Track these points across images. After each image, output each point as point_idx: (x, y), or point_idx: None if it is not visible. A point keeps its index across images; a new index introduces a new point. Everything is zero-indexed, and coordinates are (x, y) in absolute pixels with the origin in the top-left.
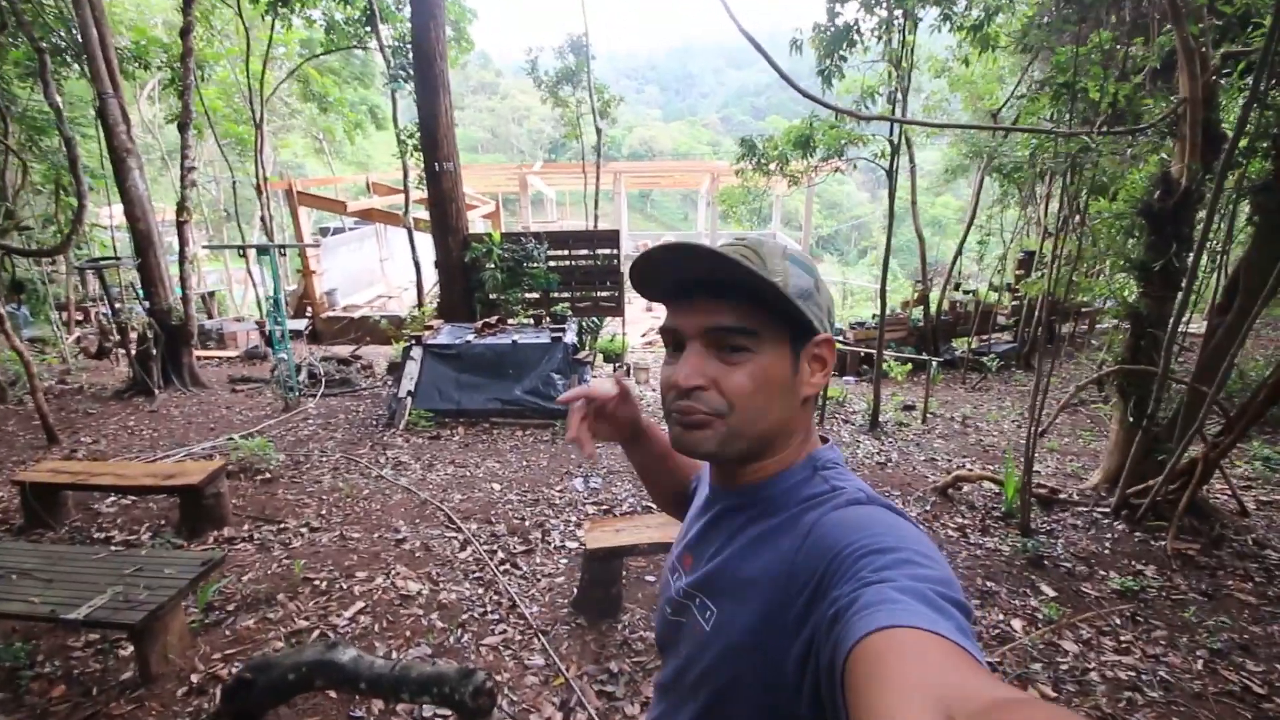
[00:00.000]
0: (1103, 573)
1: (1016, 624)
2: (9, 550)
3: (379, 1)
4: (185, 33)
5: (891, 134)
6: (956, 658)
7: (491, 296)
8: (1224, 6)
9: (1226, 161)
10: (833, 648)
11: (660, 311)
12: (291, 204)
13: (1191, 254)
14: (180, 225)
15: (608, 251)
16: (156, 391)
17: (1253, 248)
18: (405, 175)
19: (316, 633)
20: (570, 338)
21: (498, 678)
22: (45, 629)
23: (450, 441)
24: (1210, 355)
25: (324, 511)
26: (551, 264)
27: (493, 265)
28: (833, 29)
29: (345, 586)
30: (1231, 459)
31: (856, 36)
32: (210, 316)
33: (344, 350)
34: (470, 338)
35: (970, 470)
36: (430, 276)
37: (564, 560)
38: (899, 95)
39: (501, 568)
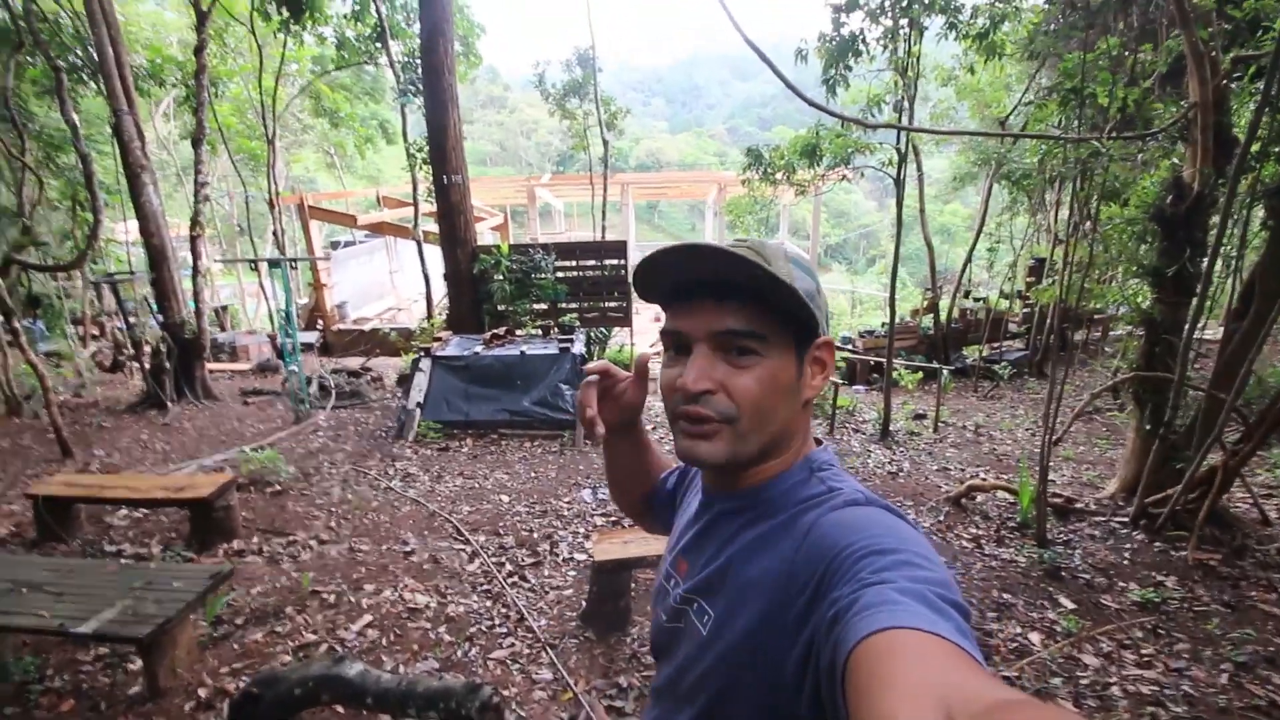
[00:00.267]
0: (1122, 584)
1: (1035, 637)
2: (21, 564)
3: (389, 18)
4: (199, 50)
5: (898, 142)
6: (957, 659)
7: (500, 308)
8: (1233, 11)
9: (1239, 166)
10: (833, 648)
11: None
12: (303, 218)
13: (1205, 259)
14: (194, 239)
15: (615, 262)
16: (169, 404)
17: (1267, 252)
18: (415, 188)
19: (324, 646)
20: (578, 348)
21: (505, 693)
22: (55, 643)
23: (459, 453)
24: (1227, 361)
25: (333, 524)
26: (559, 275)
27: (501, 277)
28: (838, 39)
29: (353, 600)
30: (1252, 467)
31: (862, 46)
32: (223, 330)
33: (354, 362)
34: (479, 349)
35: (984, 480)
36: (439, 288)
37: (572, 572)
38: (905, 103)
39: (510, 580)
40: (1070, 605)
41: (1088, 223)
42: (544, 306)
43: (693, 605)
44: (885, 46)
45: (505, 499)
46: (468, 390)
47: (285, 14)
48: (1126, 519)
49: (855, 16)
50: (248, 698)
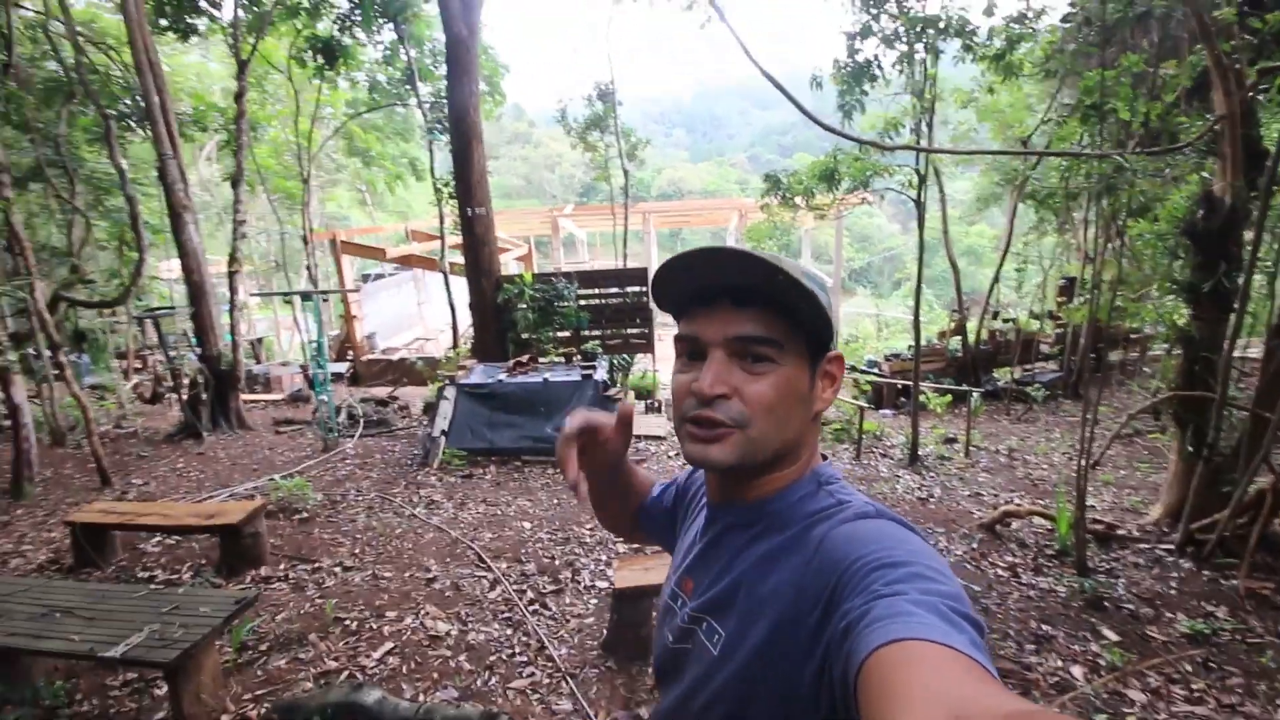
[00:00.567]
0: (1169, 615)
1: (1077, 671)
2: (56, 589)
3: (418, 61)
4: (239, 96)
5: (917, 164)
6: (970, 671)
7: (524, 336)
8: (1255, 23)
9: (1271, 178)
10: (845, 659)
11: None
12: (335, 253)
13: (1242, 274)
14: (231, 275)
15: (637, 289)
16: (205, 434)
17: None
18: (441, 222)
19: (345, 674)
20: (601, 375)
21: None
22: (86, 667)
23: (482, 480)
24: (1271, 379)
25: (357, 550)
26: (582, 302)
27: (524, 305)
28: (852, 65)
29: (375, 626)
30: None
31: (877, 71)
32: (258, 361)
33: (382, 392)
34: (502, 376)
35: (1019, 505)
36: (465, 318)
37: (594, 600)
38: (923, 126)
39: (531, 608)
40: (1114, 637)
41: (1116, 241)
42: (567, 334)
43: (701, 625)
44: (901, 70)
45: (527, 526)
46: (491, 418)
47: (320, 61)
48: (1172, 546)
49: (869, 43)
50: None
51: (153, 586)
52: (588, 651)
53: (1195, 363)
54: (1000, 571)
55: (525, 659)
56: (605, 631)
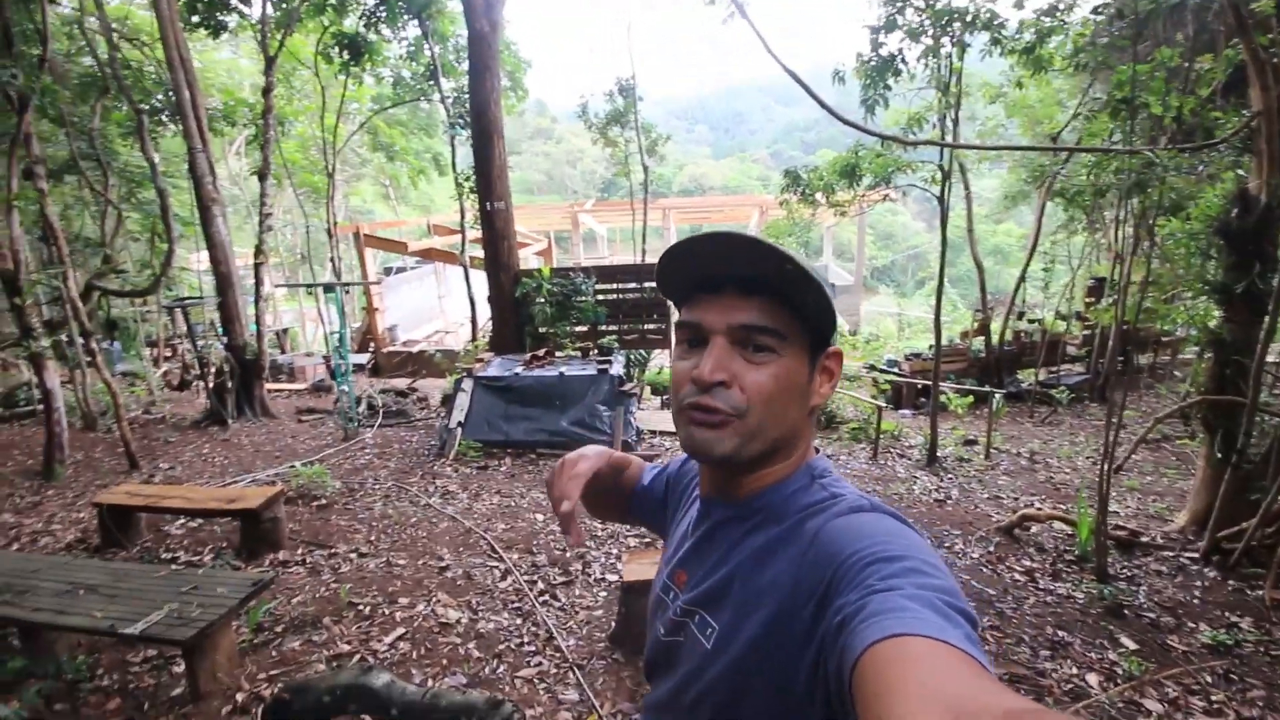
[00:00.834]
0: (1191, 624)
1: (1092, 679)
2: (82, 567)
3: (441, 57)
4: (267, 92)
5: (941, 160)
6: (967, 666)
7: (541, 330)
8: None
9: None
10: (840, 654)
11: None
12: (358, 246)
13: (1277, 275)
14: (257, 267)
15: (654, 284)
16: (230, 421)
17: None
18: (462, 216)
19: (357, 657)
20: (617, 370)
21: (531, 712)
22: (108, 643)
23: (497, 472)
24: None
25: (373, 538)
26: (599, 297)
27: (542, 299)
28: (876, 59)
29: (387, 612)
30: None
31: (901, 65)
32: (283, 352)
33: (401, 383)
34: (519, 370)
35: (1039, 509)
36: (484, 311)
37: (603, 593)
38: (948, 121)
39: (541, 599)
40: (1133, 646)
41: (1147, 241)
42: (584, 328)
43: (694, 618)
44: (926, 65)
45: (540, 518)
46: (507, 410)
47: (346, 57)
48: (1197, 554)
49: (893, 37)
50: (279, 704)
51: (174, 567)
52: (595, 643)
53: (1226, 366)
54: (1017, 576)
55: (533, 649)
56: (613, 624)
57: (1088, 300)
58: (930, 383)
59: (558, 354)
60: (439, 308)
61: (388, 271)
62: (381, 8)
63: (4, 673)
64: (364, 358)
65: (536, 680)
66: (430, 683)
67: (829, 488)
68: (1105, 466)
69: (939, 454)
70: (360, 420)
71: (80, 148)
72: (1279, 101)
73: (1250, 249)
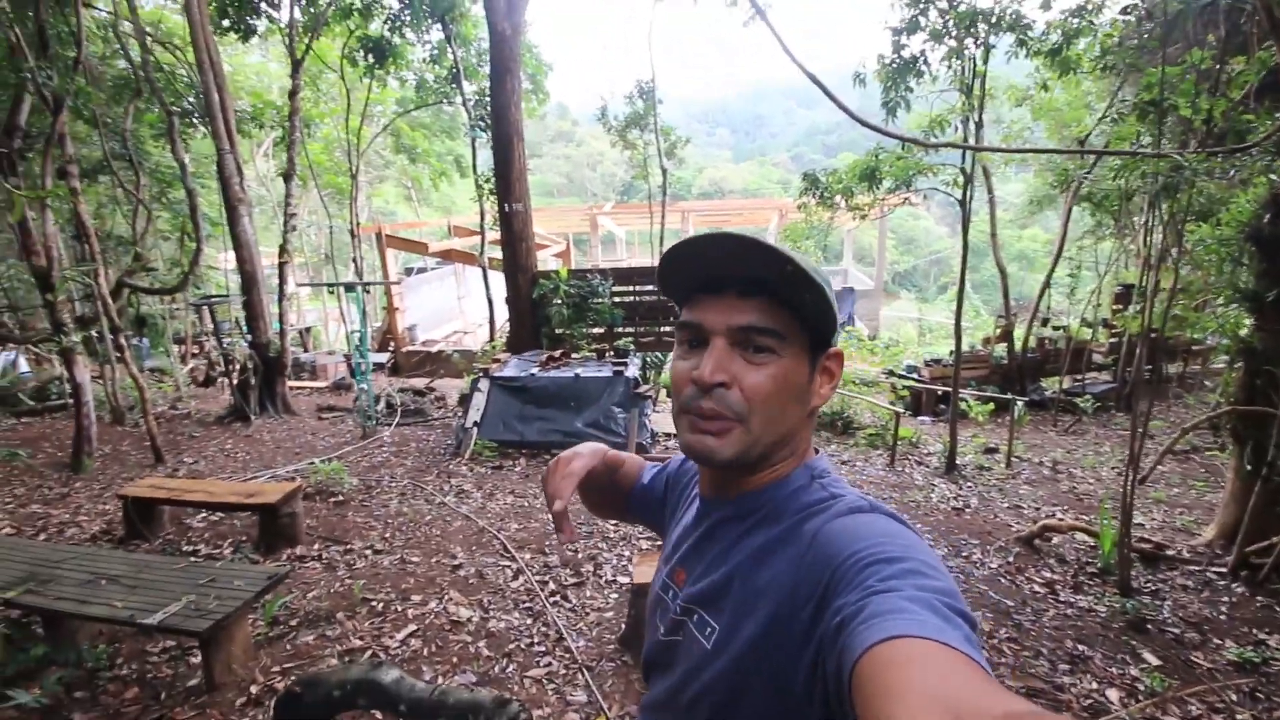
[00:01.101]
0: (1217, 641)
1: (1113, 694)
2: (105, 558)
3: (464, 61)
4: (293, 94)
5: (964, 163)
6: (966, 669)
7: (558, 331)
8: None
9: None
10: (839, 655)
11: None
12: (380, 246)
13: None
14: (281, 266)
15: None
16: (252, 417)
17: None
18: (482, 217)
19: (369, 652)
20: (632, 372)
21: (539, 712)
22: (128, 633)
23: (512, 472)
24: None
25: (388, 535)
26: (616, 299)
27: (560, 301)
28: (898, 61)
29: (400, 609)
30: None
31: (924, 67)
32: (306, 350)
33: (419, 382)
34: (535, 371)
35: (1060, 520)
36: (503, 312)
37: (614, 595)
38: (971, 124)
39: (552, 599)
40: (1155, 661)
41: (1175, 249)
42: (600, 330)
43: (693, 617)
44: (949, 67)
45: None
46: (523, 411)
47: (371, 60)
48: (1224, 569)
49: (916, 39)
50: (291, 697)
51: (193, 560)
52: (605, 645)
53: (1257, 376)
54: (1037, 587)
55: (543, 649)
56: (623, 626)
57: (1115, 307)
58: (949, 389)
59: (574, 355)
60: (458, 308)
61: (409, 272)
62: (406, 11)
63: (26, 660)
64: (384, 357)
65: (545, 680)
66: (440, 680)
67: (828, 488)
68: (1130, 477)
69: (958, 461)
70: (379, 418)
71: (113, 148)
72: None
73: None
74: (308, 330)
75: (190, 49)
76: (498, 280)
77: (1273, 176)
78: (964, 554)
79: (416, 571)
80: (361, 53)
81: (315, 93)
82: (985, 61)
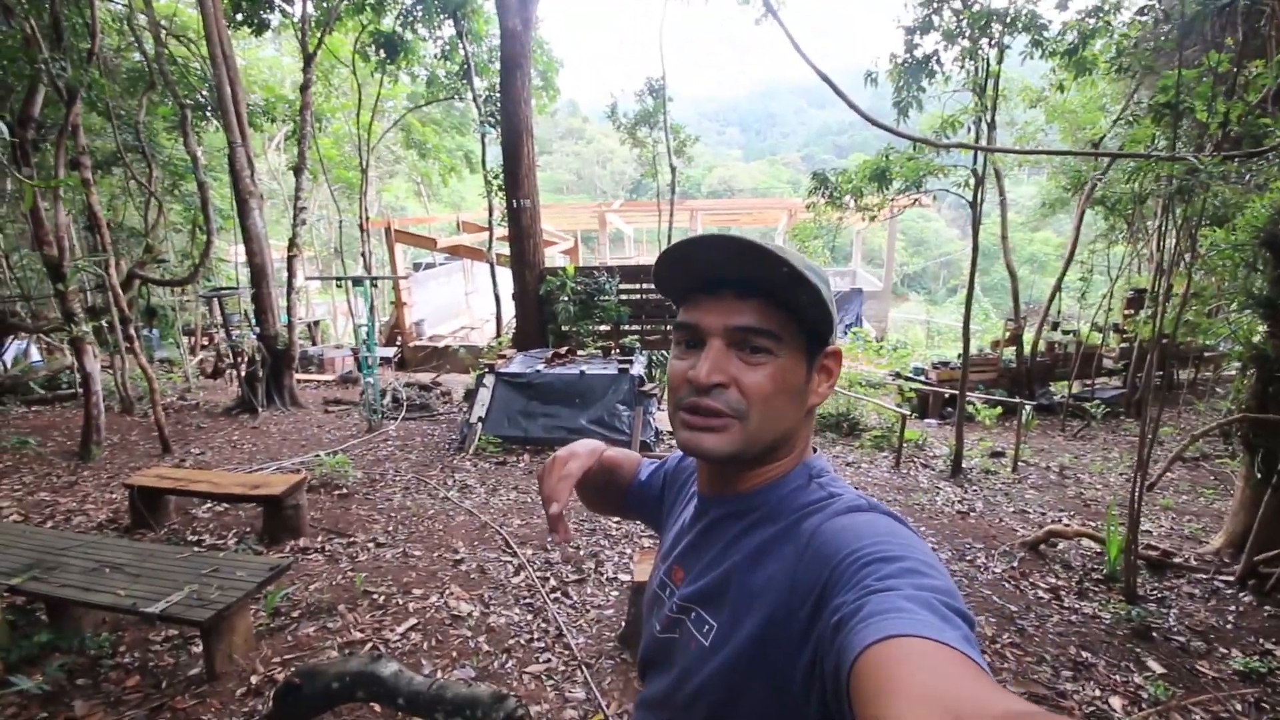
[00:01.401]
0: (1223, 650)
1: (1115, 702)
2: (110, 546)
3: (475, 57)
4: (304, 89)
5: (975, 164)
6: (965, 668)
7: (564, 328)
8: None
9: None
10: (837, 654)
11: None
12: (389, 241)
13: None
14: (290, 259)
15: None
16: (260, 409)
17: None
18: (490, 213)
19: (369, 645)
20: (637, 370)
21: (537, 708)
22: (130, 621)
23: (515, 468)
24: None
25: (391, 528)
26: (623, 297)
27: (566, 298)
28: (910, 61)
29: (401, 602)
30: None
31: (937, 67)
32: (314, 343)
33: (425, 377)
34: (540, 367)
35: (1066, 525)
36: (509, 308)
37: (615, 592)
38: (984, 125)
39: (552, 595)
40: (1160, 670)
41: (1188, 254)
42: (607, 328)
43: (690, 614)
44: (962, 67)
45: None
46: (528, 407)
47: (383, 55)
48: (1232, 578)
49: (929, 38)
50: (290, 688)
51: (197, 550)
52: (604, 642)
53: (1269, 384)
54: (1041, 593)
55: (543, 645)
56: (623, 624)
57: (1126, 312)
58: (956, 392)
59: (579, 352)
60: (465, 304)
61: (417, 267)
62: (418, 7)
63: (30, 646)
64: (390, 351)
65: (544, 677)
66: (439, 674)
67: (826, 487)
68: (1138, 483)
69: (964, 465)
70: (384, 412)
71: (126, 140)
72: None
73: None
74: (316, 324)
75: (204, 42)
76: (505, 276)
77: None
78: (968, 558)
79: (418, 565)
80: (373, 48)
81: (327, 87)
82: (999, 62)
